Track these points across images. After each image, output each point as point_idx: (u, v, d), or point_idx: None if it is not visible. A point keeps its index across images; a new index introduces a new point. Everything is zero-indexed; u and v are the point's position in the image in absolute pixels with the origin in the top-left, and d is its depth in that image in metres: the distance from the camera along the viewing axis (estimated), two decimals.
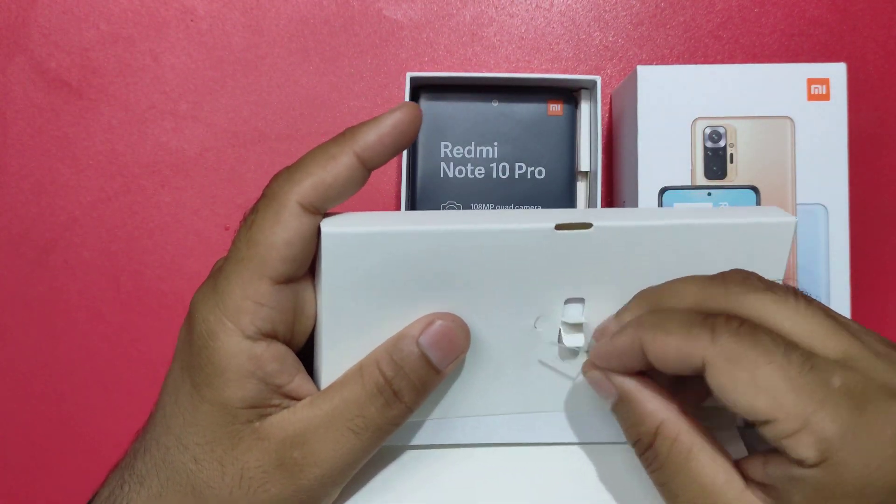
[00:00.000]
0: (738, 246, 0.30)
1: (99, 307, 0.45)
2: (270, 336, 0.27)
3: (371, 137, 0.27)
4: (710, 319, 0.25)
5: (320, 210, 0.26)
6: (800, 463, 0.23)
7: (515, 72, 0.46)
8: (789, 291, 0.26)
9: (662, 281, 0.29)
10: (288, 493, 0.27)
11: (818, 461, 0.23)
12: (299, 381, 0.27)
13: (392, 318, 0.28)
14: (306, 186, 0.26)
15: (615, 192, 0.44)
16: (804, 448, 0.23)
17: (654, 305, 0.29)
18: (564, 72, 0.46)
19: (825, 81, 0.39)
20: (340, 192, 0.27)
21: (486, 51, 0.46)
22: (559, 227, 0.28)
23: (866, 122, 0.45)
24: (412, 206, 0.41)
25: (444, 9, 0.46)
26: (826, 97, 0.39)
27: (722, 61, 0.46)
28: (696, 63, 0.46)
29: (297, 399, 0.27)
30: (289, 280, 0.27)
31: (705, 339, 0.25)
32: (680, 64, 0.46)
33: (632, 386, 0.28)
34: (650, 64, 0.46)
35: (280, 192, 0.26)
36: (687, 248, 0.30)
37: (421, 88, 0.42)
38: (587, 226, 0.29)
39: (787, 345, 0.24)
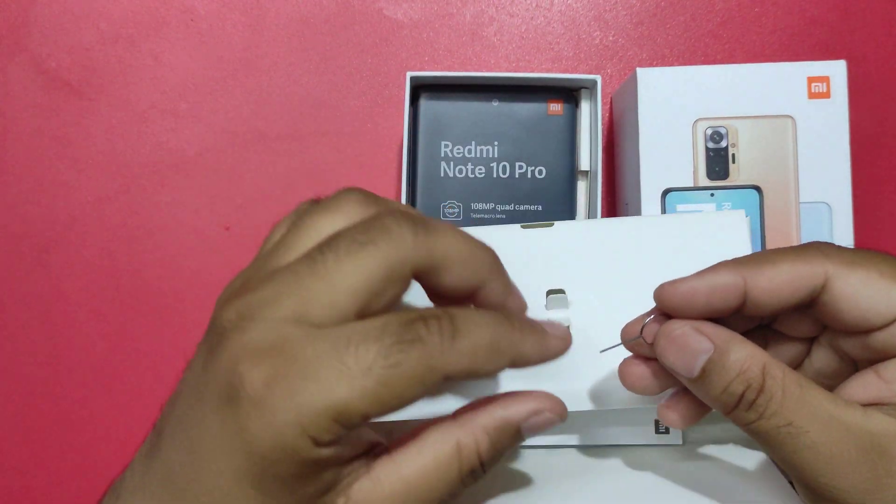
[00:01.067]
0: (694, 240, 0.33)
1: (99, 307, 0.45)
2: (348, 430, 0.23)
3: (534, 357, 0.26)
4: (814, 245, 0.26)
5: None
6: None
7: (515, 71, 0.46)
8: None
9: (629, 268, 0.32)
10: None
11: None
12: (359, 433, 0.25)
13: None
14: (463, 367, 0.23)
15: (617, 194, 0.44)
16: None
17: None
18: (564, 71, 0.46)
19: (825, 79, 0.39)
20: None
21: (487, 50, 0.46)
22: (525, 226, 0.34)
23: (867, 119, 0.45)
24: (412, 205, 0.41)
25: (444, 8, 0.46)
26: (827, 95, 0.39)
27: (722, 61, 0.46)
28: (696, 63, 0.46)
29: (358, 445, 0.24)
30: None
31: (819, 257, 0.25)
32: (680, 64, 0.46)
33: (729, 334, 0.25)
34: (650, 64, 0.46)
35: (439, 353, 0.23)
36: (643, 240, 0.33)
37: (421, 88, 0.42)
38: (549, 224, 0.34)
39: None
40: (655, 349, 0.26)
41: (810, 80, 0.39)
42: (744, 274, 0.26)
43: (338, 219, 0.24)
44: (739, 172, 0.39)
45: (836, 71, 0.39)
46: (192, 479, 0.23)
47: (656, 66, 0.46)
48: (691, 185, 0.39)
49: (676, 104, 0.39)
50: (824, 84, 0.39)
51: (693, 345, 0.25)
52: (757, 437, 0.25)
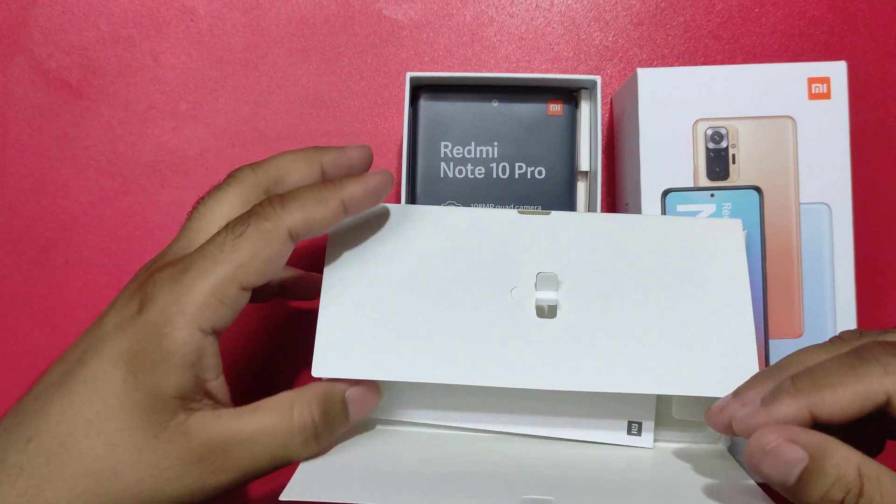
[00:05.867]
0: (689, 242, 0.34)
1: (99, 307, 0.44)
2: (218, 333, 0.29)
3: (358, 192, 0.31)
4: (867, 354, 0.25)
5: (300, 239, 0.30)
6: None
7: (515, 72, 0.46)
8: None
9: (623, 261, 0.33)
10: (195, 488, 0.28)
11: None
12: (219, 384, 0.30)
13: (386, 297, 0.33)
14: (298, 218, 0.30)
15: (617, 194, 0.44)
16: None
17: (781, 376, 0.28)
18: (564, 72, 0.46)
19: (826, 80, 0.39)
20: (322, 230, 0.31)
21: (486, 51, 0.46)
22: (522, 211, 0.35)
23: (868, 120, 0.45)
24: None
25: (444, 9, 0.46)
26: (827, 96, 0.39)
27: (722, 61, 0.46)
28: (696, 63, 0.46)
29: (213, 399, 0.30)
30: (251, 290, 0.29)
31: (878, 373, 0.25)
32: (680, 64, 0.46)
33: (821, 439, 0.26)
34: (650, 64, 0.46)
35: (274, 216, 0.29)
36: (639, 236, 0.34)
37: (421, 88, 0.42)
38: (546, 212, 0.35)
39: None
40: (748, 460, 0.27)
41: (810, 80, 0.39)
42: (807, 404, 0.26)
43: (224, 207, 0.32)
44: (740, 173, 0.39)
45: (837, 71, 0.39)
46: (94, 399, 0.28)
47: (656, 66, 0.46)
48: (691, 185, 0.39)
49: (677, 104, 0.39)
50: (824, 85, 0.39)
51: (787, 455, 0.26)
52: None
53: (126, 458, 0.28)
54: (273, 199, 0.30)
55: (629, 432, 0.34)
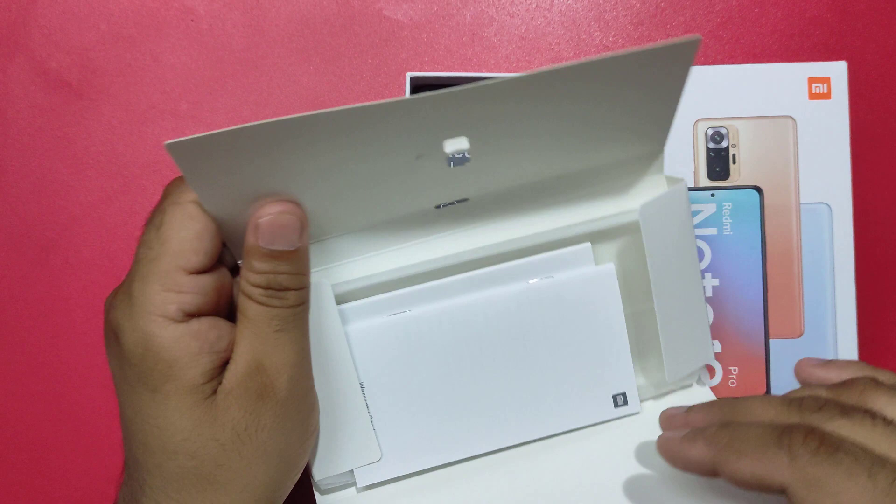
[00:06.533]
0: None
1: (99, 307, 0.45)
2: (197, 314, 0.28)
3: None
4: (787, 438, 0.25)
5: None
6: None
7: (515, 72, 0.46)
8: (867, 415, 0.26)
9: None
10: (278, 412, 0.29)
11: None
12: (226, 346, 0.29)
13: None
14: None
15: None
16: None
17: (726, 418, 0.29)
18: None
19: (826, 80, 0.39)
20: None
21: (486, 51, 0.46)
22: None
23: (868, 120, 0.45)
24: None
25: (444, 9, 0.46)
26: (827, 96, 0.39)
27: (722, 61, 0.46)
28: (696, 63, 0.46)
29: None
30: (202, 270, 0.29)
31: (783, 461, 0.25)
32: None
33: None
34: None
35: (183, 197, 0.29)
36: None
37: (421, 88, 0.42)
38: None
39: (871, 463, 0.24)
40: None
41: (811, 80, 0.39)
42: (714, 459, 0.27)
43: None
44: (740, 173, 0.39)
45: (837, 71, 0.39)
46: (146, 429, 0.28)
47: None
48: (692, 185, 0.39)
49: None
50: (825, 85, 0.39)
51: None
52: None
53: (213, 452, 0.28)
54: (173, 183, 0.30)
55: (616, 405, 0.35)
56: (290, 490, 0.31)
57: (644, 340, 0.36)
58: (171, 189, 0.29)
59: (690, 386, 0.37)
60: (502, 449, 0.35)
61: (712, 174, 0.39)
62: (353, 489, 0.34)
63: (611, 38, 0.46)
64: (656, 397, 0.36)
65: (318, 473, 0.33)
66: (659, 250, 0.33)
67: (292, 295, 0.29)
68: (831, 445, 0.24)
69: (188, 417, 0.28)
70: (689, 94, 0.39)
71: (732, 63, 0.45)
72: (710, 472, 0.28)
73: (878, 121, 0.45)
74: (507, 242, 0.34)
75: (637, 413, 0.35)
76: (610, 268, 0.34)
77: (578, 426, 0.35)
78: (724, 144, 0.39)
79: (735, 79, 0.39)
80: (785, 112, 0.39)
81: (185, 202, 0.28)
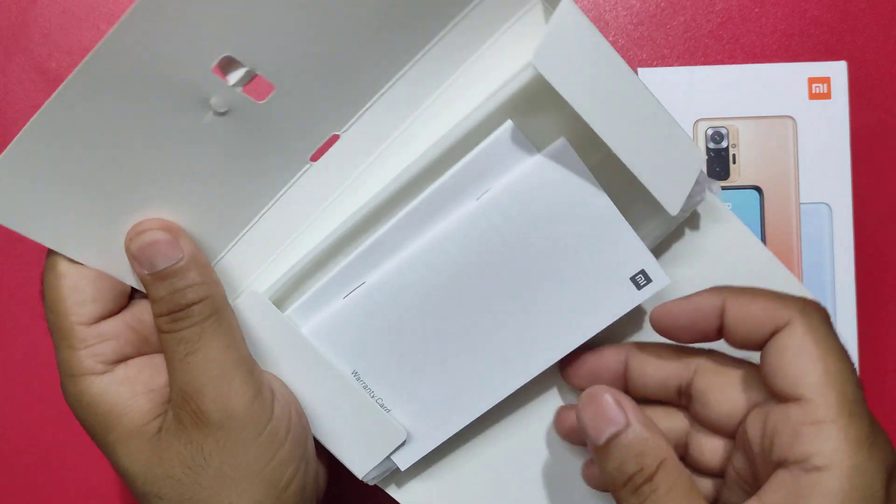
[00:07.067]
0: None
1: None
2: (124, 359, 0.29)
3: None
4: (801, 299, 0.26)
5: None
6: (809, 463, 0.23)
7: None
8: None
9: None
10: (219, 436, 0.28)
11: (828, 464, 0.23)
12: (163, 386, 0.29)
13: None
14: None
15: None
16: (823, 441, 0.24)
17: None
18: None
19: (826, 80, 0.39)
20: None
21: None
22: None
23: (868, 120, 0.45)
24: None
25: None
26: (827, 96, 0.39)
27: (722, 61, 0.46)
28: (696, 63, 0.46)
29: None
30: (106, 316, 0.28)
31: (794, 309, 0.26)
32: (680, 64, 0.46)
33: (644, 418, 0.26)
34: (650, 64, 0.46)
35: (49, 260, 0.28)
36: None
37: None
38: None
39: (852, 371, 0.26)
40: (579, 406, 0.27)
41: (811, 80, 0.39)
42: (725, 298, 0.27)
43: None
44: (740, 173, 0.40)
45: (837, 71, 0.39)
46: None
47: (656, 66, 0.46)
48: None
49: (677, 104, 0.39)
50: (825, 85, 0.39)
51: (609, 413, 0.26)
52: None
53: (184, 488, 0.28)
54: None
55: (639, 287, 0.30)
56: (308, 490, 0.31)
57: (625, 196, 0.29)
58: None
59: (703, 200, 0.31)
60: (532, 381, 0.31)
61: (712, 174, 0.39)
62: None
63: (611, 38, 0.46)
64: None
65: (358, 472, 0.32)
66: (582, 89, 0.26)
67: (196, 309, 0.28)
68: (832, 327, 0.26)
69: (138, 461, 0.28)
70: (689, 94, 0.39)
71: (732, 63, 0.45)
72: (710, 323, 0.27)
73: (878, 121, 0.46)
74: (414, 163, 0.29)
75: (668, 284, 0.30)
76: (563, 143, 0.29)
77: (606, 325, 0.30)
78: (724, 144, 0.39)
79: (735, 79, 0.40)
80: (785, 112, 0.39)
81: (53, 264, 0.28)
